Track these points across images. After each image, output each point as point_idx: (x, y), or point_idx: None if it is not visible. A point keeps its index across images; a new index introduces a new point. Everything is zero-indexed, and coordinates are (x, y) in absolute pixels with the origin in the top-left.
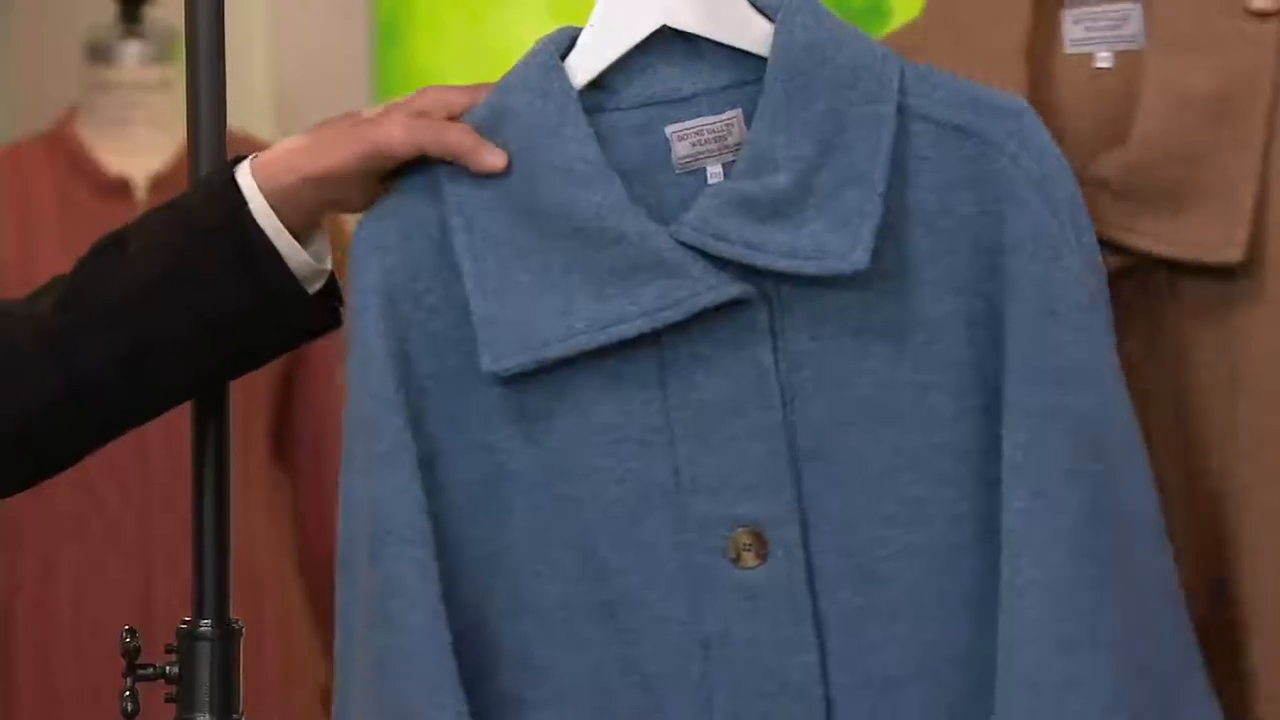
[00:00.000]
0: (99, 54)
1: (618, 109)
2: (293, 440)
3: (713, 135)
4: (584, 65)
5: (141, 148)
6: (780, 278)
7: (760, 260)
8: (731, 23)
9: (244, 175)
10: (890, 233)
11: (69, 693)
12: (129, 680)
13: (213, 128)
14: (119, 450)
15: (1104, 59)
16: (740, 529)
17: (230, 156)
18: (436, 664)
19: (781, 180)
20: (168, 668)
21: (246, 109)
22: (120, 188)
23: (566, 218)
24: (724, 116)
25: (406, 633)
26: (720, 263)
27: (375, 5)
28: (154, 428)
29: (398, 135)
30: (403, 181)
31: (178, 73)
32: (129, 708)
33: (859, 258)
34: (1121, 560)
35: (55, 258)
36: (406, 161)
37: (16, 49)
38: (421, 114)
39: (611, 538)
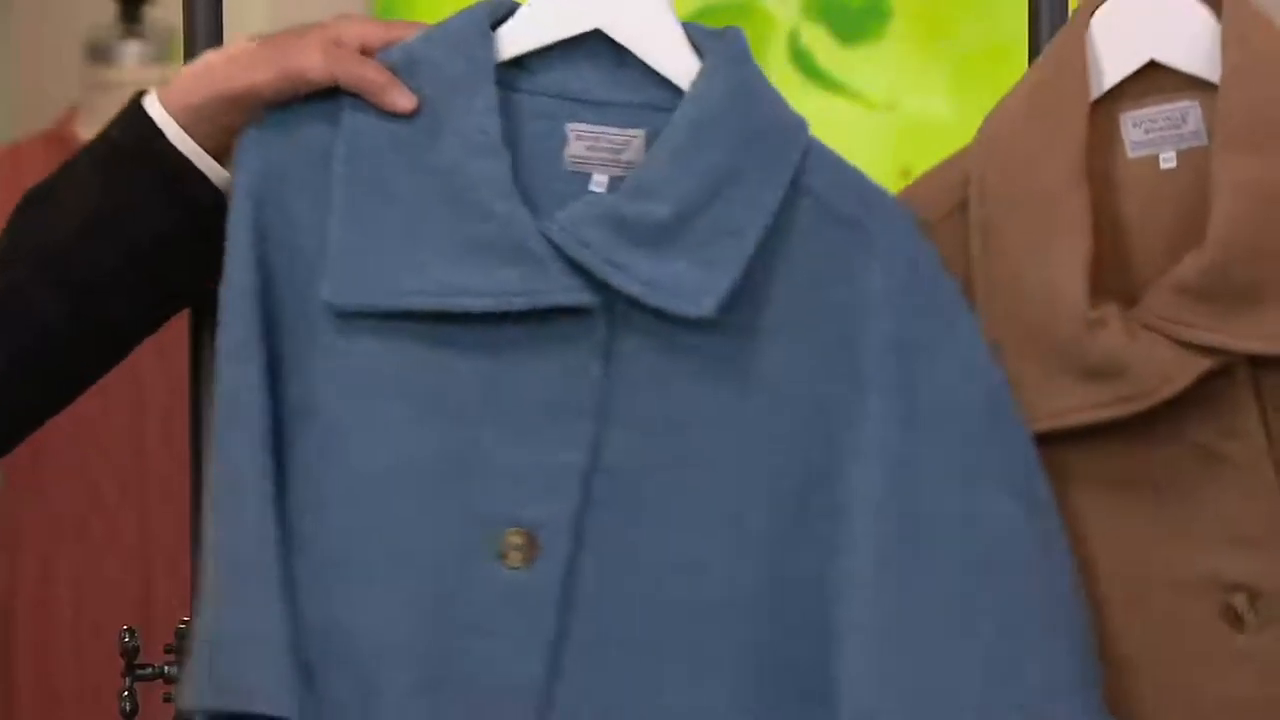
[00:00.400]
0: (99, 54)
1: (529, 92)
2: None
3: (610, 145)
4: (512, 40)
5: None
6: (632, 303)
7: (615, 279)
8: (663, 48)
9: (153, 105)
10: (753, 293)
11: (69, 692)
12: (128, 680)
13: None
14: (118, 450)
15: (1168, 159)
16: (515, 527)
17: None
18: (264, 563)
19: (661, 212)
20: (166, 667)
21: None
22: None
23: (448, 181)
24: (627, 132)
25: (238, 528)
26: (578, 268)
27: (373, 6)
28: (152, 428)
29: (316, 62)
30: (306, 101)
31: (176, 72)
32: (127, 707)
33: (708, 304)
34: (990, 669)
35: None
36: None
37: (16, 49)
38: (339, 43)
39: (392, 494)
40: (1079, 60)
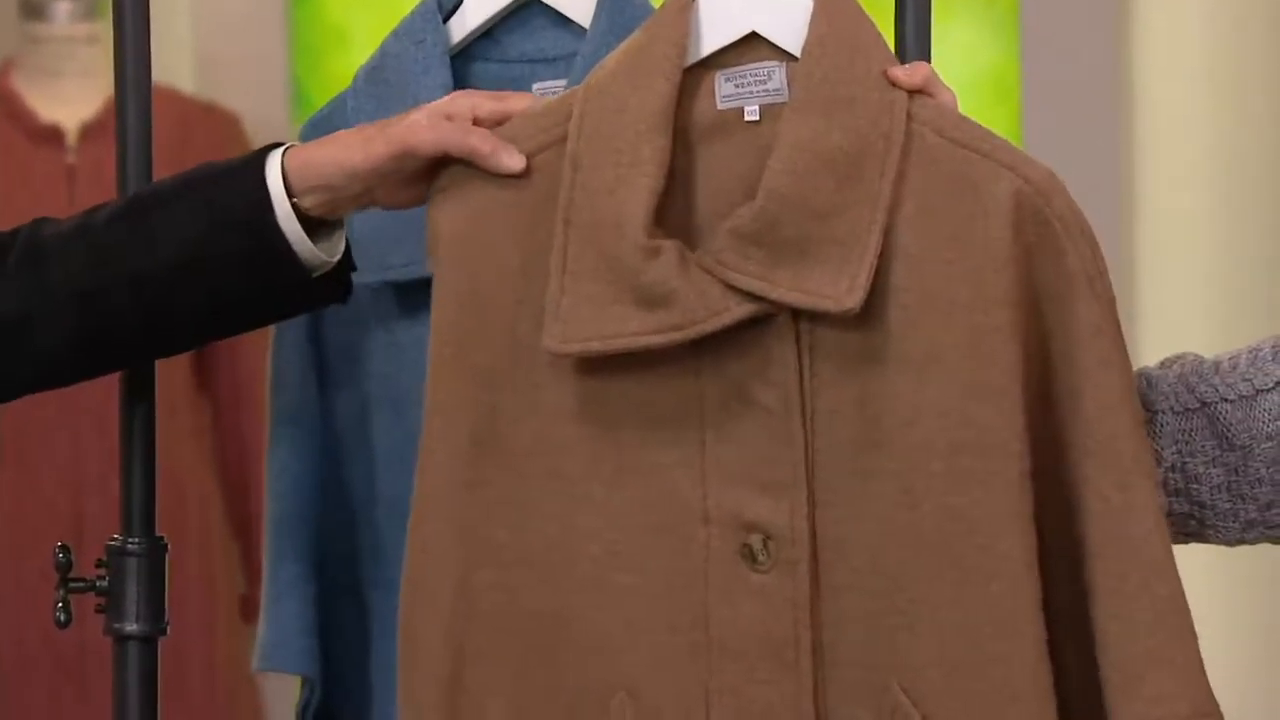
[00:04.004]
0: (32, 10)
1: (501, 60)
2: (213, 366)
3: None
4: (467, 18)
5: (72, 98)
6: None
7: None
8: None
9: (274, 173)
10: None
11: (6, 604)
12: (61, 592)
13: (138, 81)
14: None
15: (752, 113)
16: None
17: (154, 108)
18: (292, 540)
19: None
20: (97, 581)
21: (170, 63)
22: (52, 135)
23: None
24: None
25: (277, 504)
26: None
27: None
28: None
29: (425, 136)
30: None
31: (106, 28)
32: (62, 618)
33: None
34: None
35: None
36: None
37: None
38: (449, 116)
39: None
40: (679, 26)
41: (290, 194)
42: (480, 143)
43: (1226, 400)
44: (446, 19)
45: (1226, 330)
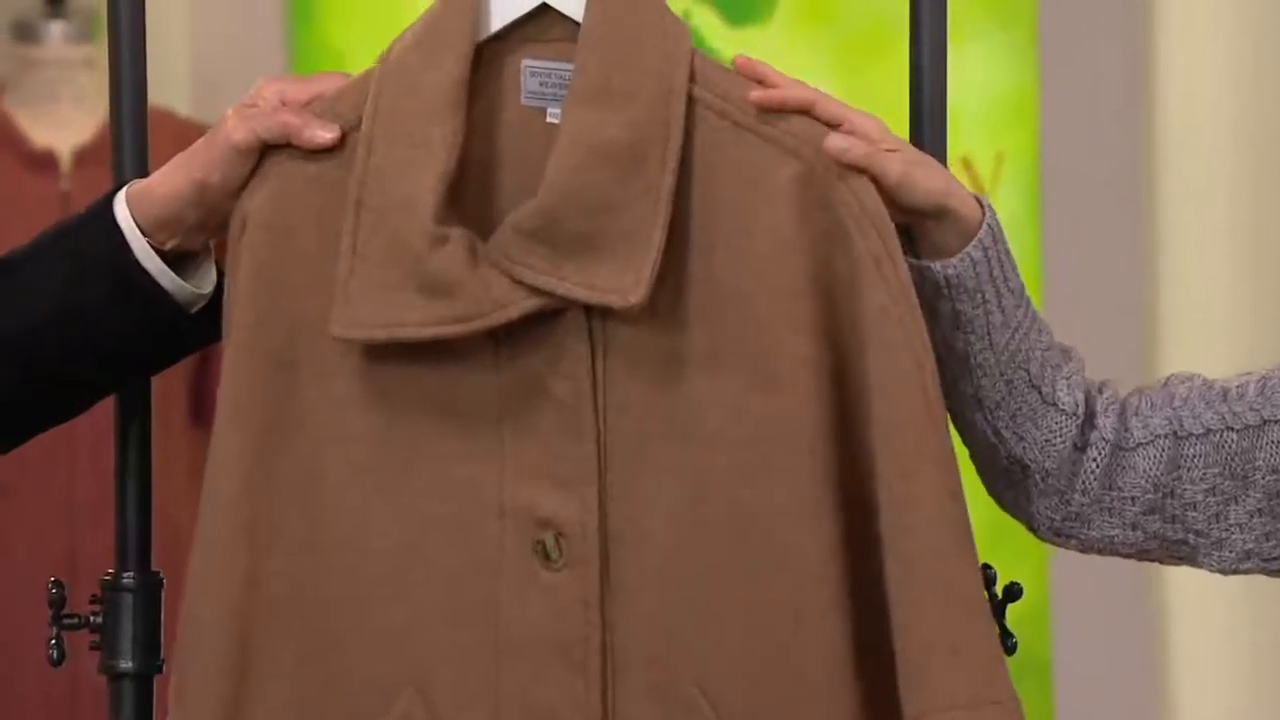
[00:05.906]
0: (24, 33)
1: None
2: (211, 399)
3: None
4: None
5: (66, 123)
6: None
7: None
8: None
9: (122, 212)
10: None
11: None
12: (55, 629)
13: (134, 104)
14: None
15: (554, 115)
16: None
17: (151, 132)
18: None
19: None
20: (92, 617)
21: (166, 86)
22: (46, 160)
23: None
24: None
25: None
26: None
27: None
28: None
29: (237, 129)
30: None
31: (101, 51)
32: (55, 655)
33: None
34: None
35: None
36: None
37: None
38: (254, 105)
39: None
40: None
41: (143, 231)
42: (290, 117)
43: (1232, 429)
44: None
45: (1250, 352)
